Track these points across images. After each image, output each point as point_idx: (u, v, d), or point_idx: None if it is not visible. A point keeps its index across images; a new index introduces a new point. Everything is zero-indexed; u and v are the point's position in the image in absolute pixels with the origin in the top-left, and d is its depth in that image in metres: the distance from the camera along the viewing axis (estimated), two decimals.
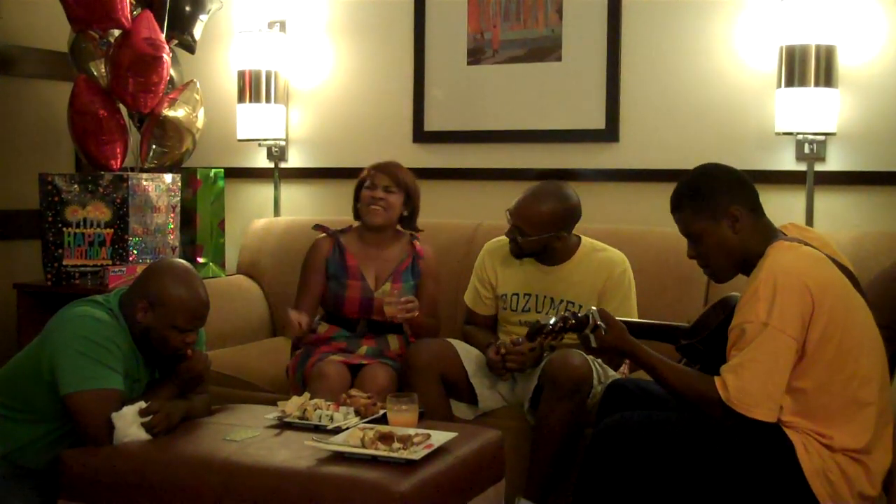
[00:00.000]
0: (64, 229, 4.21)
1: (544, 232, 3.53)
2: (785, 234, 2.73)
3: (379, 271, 3.76)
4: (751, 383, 2.52)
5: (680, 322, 3.06)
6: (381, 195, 3.73)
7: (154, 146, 4.41)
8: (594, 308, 2.81)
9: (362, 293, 3.71)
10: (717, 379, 2.57)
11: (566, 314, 2.84)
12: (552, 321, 2.84)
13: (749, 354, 2.53)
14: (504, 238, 3.71)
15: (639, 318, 3.61)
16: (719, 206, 2.71)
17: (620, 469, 2.62)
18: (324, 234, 3.83)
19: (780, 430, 2.59)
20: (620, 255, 3.64)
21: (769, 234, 2.72)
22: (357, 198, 3.82)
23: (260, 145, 4.95)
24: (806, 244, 2.68)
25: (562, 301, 3.59)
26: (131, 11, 4.24)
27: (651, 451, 2.62)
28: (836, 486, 2.57)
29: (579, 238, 3.67)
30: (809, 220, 3.92)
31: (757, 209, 2.75)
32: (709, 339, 2.80)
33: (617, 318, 2.83)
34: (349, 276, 3.72)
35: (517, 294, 3.66)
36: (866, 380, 2.62)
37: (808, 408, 2.59)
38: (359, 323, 3.73)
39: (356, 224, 3.86)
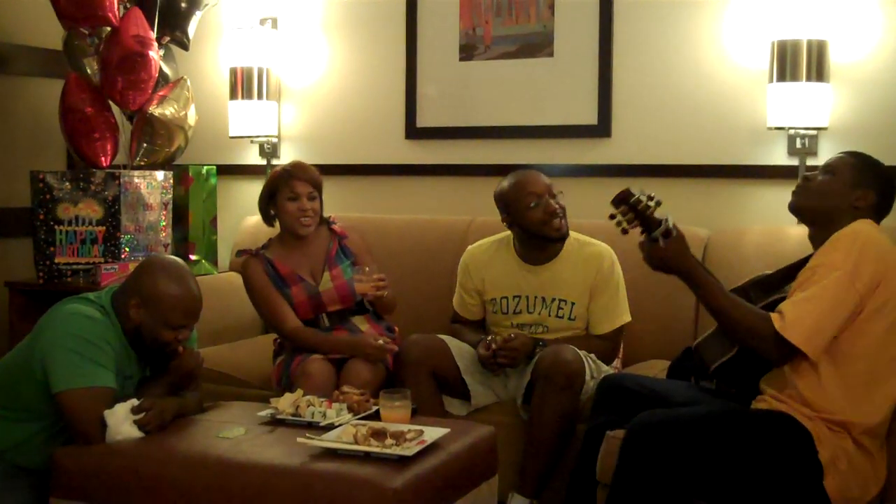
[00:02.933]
0: (56, 227, 4.20)
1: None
2: None
3: (312, 267, 3.74)
4: (808, 315, 2.58)
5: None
6: (307, 206, 3.68)
7: (144, 144, 4.40)
8: (669, 214, 2.71)
9: (307, 292, 3.69)
10: (773, 314, 2.62)
11: (648, 198, 2.68)
12: (639, 193, 2.68)
13: (814, 292, 2.60)
14: (484, 241, 3.75)
15: (629, 312, 3.62)
16: (869, 181, 2.80)
17: (651, 470, 2.62)
18: (248, 256, 3.75)
19: (797, 422, 2.63)
20: (607, 247, 3.63)
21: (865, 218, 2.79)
22: (271, 205, 3.75)
23: (252, 142, 4.94)
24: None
25: (553, 300, 3.58)
26: (120, 8, 4.23)
27: (678, 449, 2.62)
28: (845, 475, 2.62)
29: (568, 231, 3.64)
30: None
31: (882, 212, 2.84)
32: (761, 286, 2.87)
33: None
34: (289, 284, 3.70)
35: (506, 297, 3.65)
36: None
37: (840, 375, 2.64)
38: (319, 319, 3.72)
39: (274, 236, 3.83)
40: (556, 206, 3.55)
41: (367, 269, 3.60)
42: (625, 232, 2.77)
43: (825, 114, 3.86)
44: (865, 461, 2.66)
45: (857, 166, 2.83)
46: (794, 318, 2.59)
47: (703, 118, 4.16)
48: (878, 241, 2.68)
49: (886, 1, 3.87)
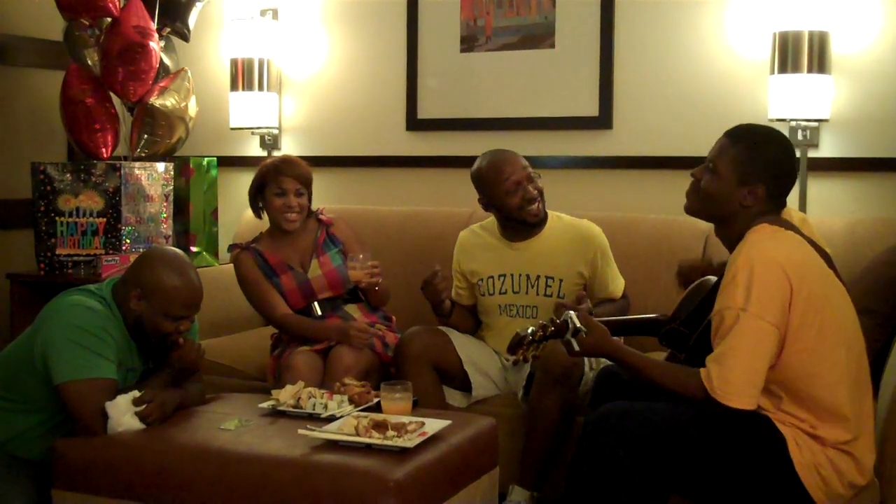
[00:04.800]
0: (56, 219, 4.20)
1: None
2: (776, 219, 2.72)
3: (302, 257, 3.76)
4: (732, 372, 2.51)
5: (658, 314, 3.06)
6: (294, 202, 3.70)
7: (145, 135, 4.40)
8: (572, 312, 2.76)
9: (297, 281, 3.71)
10: (702, 371, 2.55)
11: (544, 322, 2.81)
12: (531, 330, 2.81)
13: (730, 343, 2.52)
14: (475, 225, 3.79)
15: (623, 280, 3.63)
16: (754, 176, 2.65)
17: (614, 458, 2.61)
18: (239, 250, 3.78)
19: (773, 425, 2.58)
20: (590, 222, 3.65)
21: (763, 219, 2.67)
22: (259, 198, 3.77)
23: (253, 133, 4.94)
24: (789, 226, 2.67)
25: (538, 277, 3.58)
26: None
27: (645, 442, 2.62)
28: (828, 479, 2.57)
29: (545, 212, 3.66)
30: (802, 206, 3.92)
31: (776, 202, 2.70)
32: (690, 319, 2.80)
33: (597, 319, 2.80)
34: (278, 273, 3.72)
35: (492, 276, 3.66)
36: (846, 367, 2.60)
37: (796, 397, 2.58)
38: (311, 307, 3.73)
39: (264, 230, 3.86)
40: (534, 191, 3.56)
41: (361, 256, 3.60)
42: (536, 358, 2.90)
43: (826, 105, 3.86)
44: (849, 462, 2.60)
45: (739, 160, 2.66)
46: (720, 380, 2.51)
47: (704, 110, 4.15)
48: (772, 256, 2.53)
49: None
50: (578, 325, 2.73)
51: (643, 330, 3.07)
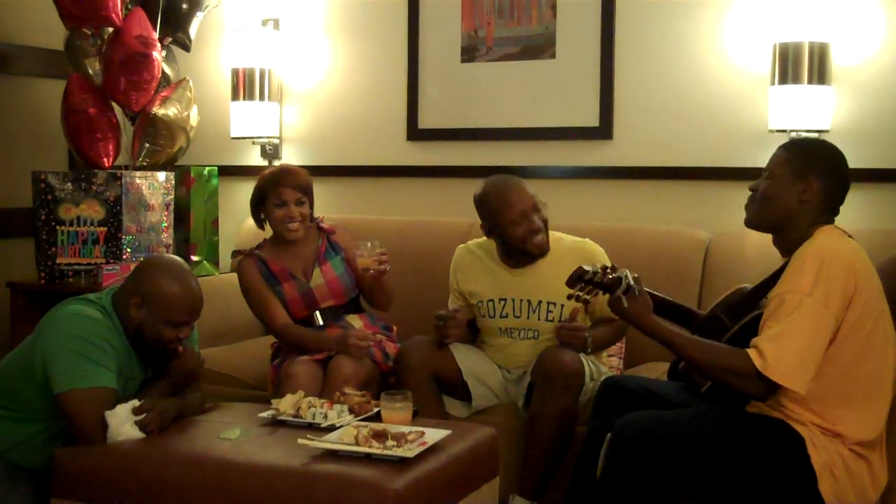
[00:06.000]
0: (57, 227, 4.20)
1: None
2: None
3: (304, 265, 3.75)
4: (789, 352, 2.53)
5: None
6: (295, 212, 3.68)
7: (146, 144, 4.40)
8: (627, 271, 2.79)
9: (299, 289, 3.71)
10: (750, 350, 2.56)
11: (605, 266, 2.84)
12: (591, 268, 2.83)
13: (789, 324, 2.54)
14: (471, 243, 3.75)
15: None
16: (808, 171, 2.72)
17: (636, 467, 2.61)
18: (242, 256, 3.77)
19: (789, 427, 2.60)
20: (592, 242, 3.61)
21: (822, 224, 2.73)
22: (261, 209, 3.76)
23: (254, 143, 4.94)
24: (849, 236, 2.74)
25: (540, 302, 3.55)
26: (123, 9, 4.23)
27: (666, 450, 2.61)
28: (841, 482, 2.59)
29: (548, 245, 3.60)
30: None
31: (831, 204, 2.76)
32: (730, 311, 2.82)
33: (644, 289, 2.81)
34: (281, 281, 3.72)
35: (492, 300, 3.62)
36: (886, 375, 2.65)
37: (826, 393, 2.60)
38: (313, 317, 3.73)
39: (267, 237, 3.85)
40: (539, 222, 3.52)
41: (370, 243, 3.54)
42: (586, 302, 2.97)
43: (827, 116, 3.86)
44: (862, 467, 2.62)
45: (792, 159, 2.76)
46: (775, 356, 2.52)
47: (704, 120, 4.16)
48: (843, 253, 2.62)
49: (888, 3, 3.87)
50: (632, 282, 2.76)
51: (677, 316, 3.04)
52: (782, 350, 2.52)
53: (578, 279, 2.86)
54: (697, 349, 2.68)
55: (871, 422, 2.62)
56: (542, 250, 3.55)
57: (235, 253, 3.84)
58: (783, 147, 2.85)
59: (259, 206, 3.78)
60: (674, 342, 2.71)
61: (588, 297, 2.90)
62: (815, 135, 3.90)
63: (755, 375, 2.54)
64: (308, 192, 3.74)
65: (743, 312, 2.78)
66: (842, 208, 3.90)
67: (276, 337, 3.77)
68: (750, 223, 2.85)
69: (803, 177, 2.72)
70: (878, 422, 2.64)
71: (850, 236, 2.74)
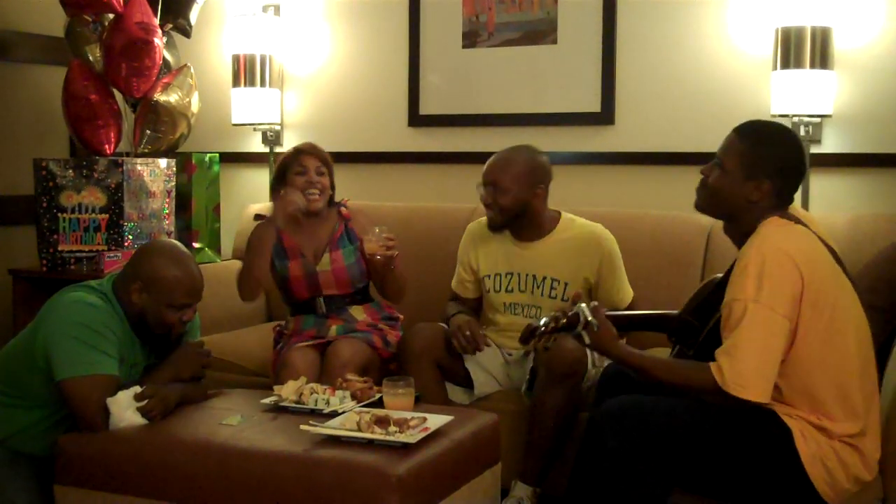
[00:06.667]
0: (59, 215, 4.19)
1: (522, 185, 3.53)
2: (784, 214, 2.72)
3: (316, 247, 3.73)
4: (744, 364, 2.51)
5: (669, 310, 3.06)
6: (315, 179, 3.69)
7: (148, 131, 4.40)
8: (584, 305, 2.78)
9: (304, 270, 3.69)
10: (712, 365, 2.55)
11: (556, 314, 2.83)
12: (543, 322, 2.84)
13: (741, 334, 2.52)
14: (482, 221, 3.72)
15: (632, 291, 3.62)
16: (760, 171, 2.66)
17: (620, 452, 2.61)
18: (263, 221, 3.71)
19: (778, 418, 2.58)
20: (602, 228, 3.62)
21: (770, 215, 2.68)
22: (281, 185, 3.72)
23: (255, 130, 4.94)
24: (798, 220, 2.68)
25: (545, 278, 3.57)
26: None
27: (651, 435, 2.62)
28: (834, 472, 2.57)
29: (559, 213, 3.66)
30: (805, 202, 3.91)
31: (783, 198, 2.71)
32: (700, 313, 2.79)
33: (606, 313, 2.82)
34: (289, 257, 3.70)
35: (499, 274, 3.65)
36: (856, 360, 2.61)
37: (804, 389, 2.58)
38: (316, 302, 3.72)
39: None
40: (488, 198, 3.58)
41: (378, 229, 3.50)
42: (546, 350, 3.03)
43: (829, 101, 3.85)
44: (855, 457, 2.60)
45: (746, 155, 2.68)
46: (732, 370, 2.50)
47: (706, 106, 4.15)
48: (784, 249, 2.55)
49: None
50: (590, 318, 2.76)
51: (650, 326, 3.08)
52: (737, 363, 2.51)
53: (531, 336, 2.89)
54: (665, 371, 2.69)
55: (852, 415, 2.58)
56: (490, 224, 3.62)
57: (258, 216, 3.77)
58: (738, 134, 2.73)
59: (280, 182, 3.74)
60: (643, 366, 2.72)
61: (548, 344, 2.95)
62: (818, 120, 3.89)
63: (719, 391, 2.53)
64: (329, 166, 3.74)
65: (710, 313, 2.75)
66: (844, 194, 3.95)
67: (238, 282, 3.66)
68: (699, 209, 2.83)
69: (754, 175, 2.65)
70: (858, 413, 2.59)
71: (799, 221, 2.66)
